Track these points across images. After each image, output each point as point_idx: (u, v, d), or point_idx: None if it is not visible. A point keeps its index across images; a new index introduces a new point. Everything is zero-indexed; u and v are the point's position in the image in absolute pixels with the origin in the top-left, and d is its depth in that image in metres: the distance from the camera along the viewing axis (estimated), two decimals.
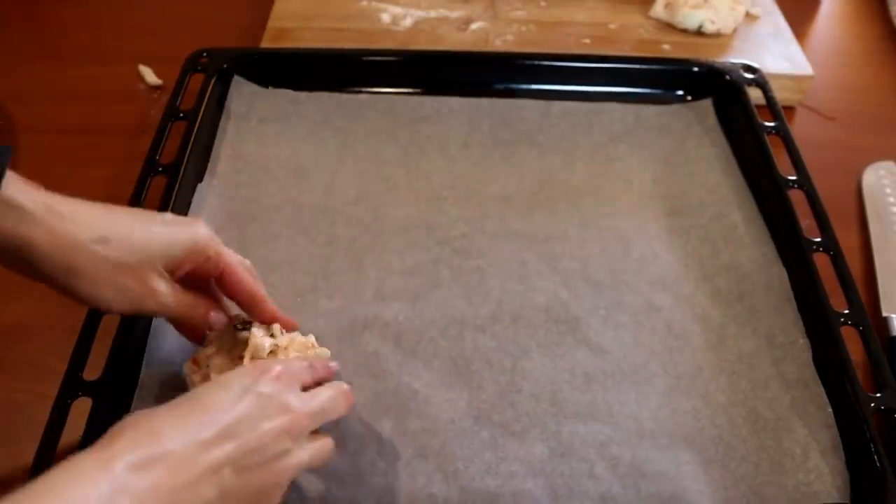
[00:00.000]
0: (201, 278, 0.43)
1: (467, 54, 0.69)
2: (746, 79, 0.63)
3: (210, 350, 0.43)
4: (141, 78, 0.70)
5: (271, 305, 0.44)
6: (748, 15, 0.75)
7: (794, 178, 0.56)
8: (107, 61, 0.73)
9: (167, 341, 0.47)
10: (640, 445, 0.45)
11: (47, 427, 0.41)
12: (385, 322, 0.50)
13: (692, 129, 0.62)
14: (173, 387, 0.45)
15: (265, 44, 0.70)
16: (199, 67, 0.63)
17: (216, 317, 0.43)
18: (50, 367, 0.44)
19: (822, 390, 0.46)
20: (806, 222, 0.53)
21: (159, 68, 0.71)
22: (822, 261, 0.51)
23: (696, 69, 0.65)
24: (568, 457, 0.44)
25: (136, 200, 0.52)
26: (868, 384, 0.45)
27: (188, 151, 0.56)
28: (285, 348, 0.43)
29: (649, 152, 0.62)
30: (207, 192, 0.56)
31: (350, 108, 0.63)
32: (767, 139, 0.58)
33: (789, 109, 0.69)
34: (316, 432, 0.39)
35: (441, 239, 0.55)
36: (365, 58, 0.66)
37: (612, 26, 0.74)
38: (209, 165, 0.58)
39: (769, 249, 0.53)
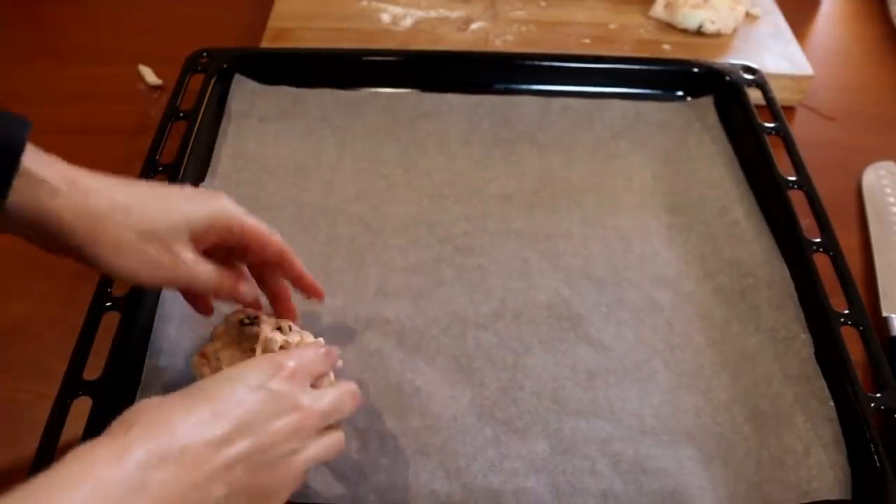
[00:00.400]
0: (226, 252, 0.42)
1: (467, 54, 0.69)
2: (746, 79, 0.63)
3: (217, 344, 0.43)
4: (141, 78, 0.70)
5: (300, 264, 0.44)
6: (748, 15, 0.75)
7: (793, 178, 0.56)
8: (107, 61, 0.73)
9: (169, 339, 0.47)
10: (641, 442, 0.45)
11: (47, 427, 0.41)
12: (387, 320, 0.50)
13: (693, 125, 0.63)
14: (178, 383, 0.45)
15: (265, 44, 0.70)
16: (199, 67, 0.63)
17: (248, 288, 0.43)
18: (50, 367, 0.44)
19: (824, 385, 0.46)
20: (806, 222, 0.53)
21: (159, 68, 0.71)
22: (822, 261, 0.51)
23: (695, 70, 0.65)
24: (570, 454, 0.44)
25: None
26: (868, 384, 0.45)
27: (188, 151, 0.56)
28: (295, 346, 0.43)
29: (650, 149, 0.62)
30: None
31: (350, 107, 0.63)
32: (767, 139, 0.58)
33: (789, 109, 0.69)
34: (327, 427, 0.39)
35: (442, 237, 0.55)
36: (365, 58, 0.66)
37: (612, 26, 0.74)
38: (210, 165, 0.58)
39: (770, 245, 0.53)
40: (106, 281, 0.47)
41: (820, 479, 0.42)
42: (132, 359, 0.45)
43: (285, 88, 0.64)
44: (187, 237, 0.39)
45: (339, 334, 0.49)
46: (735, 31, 0.73)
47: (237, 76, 0.63)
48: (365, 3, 0.76)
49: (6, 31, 0.76)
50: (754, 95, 0.62)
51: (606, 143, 0.62)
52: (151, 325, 0.47)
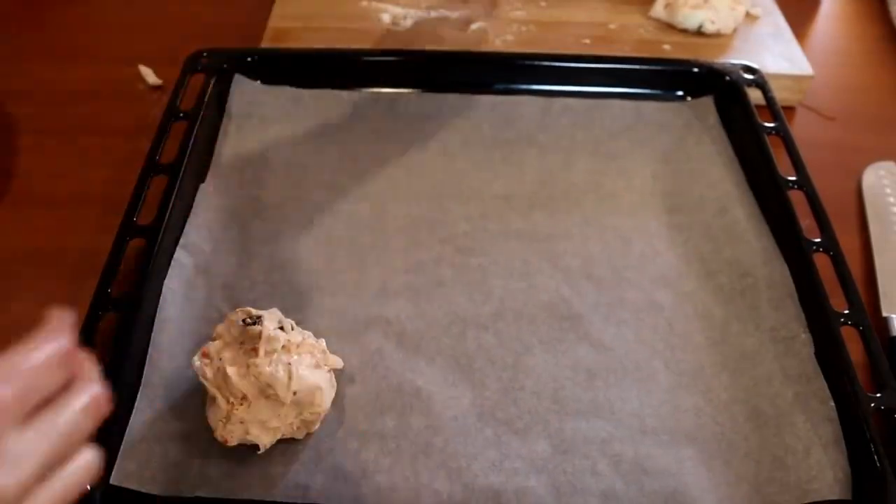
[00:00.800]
0: None
1: (467, 54, 0.69)
2: (746, 79, 0.63)
3: (219, 344, 0.43)
4: (141, 78, 0.70)
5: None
6: (748, 15, 0.75)
7: (794, 178, 0.56)
8: (107, 61, 0.73)
9: (170, 339, 0.47)
10: (642, 442, 0.45)
11: None
12: (387, 320, 0.50)
13: (693, 125, 0.63)
14: (178, 383, 0.45)
15: (265, 44, 0.70)
16: (199, 67, 0.63)
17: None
18: None
19: (824, 384, 0.45)
20: (806, 222, 0.53)
21: (159, 68, 0.71)
22: (822, 261, 0.51)
23: (695, 70, 0.65)
24: (570, 454, 0.44)
25: (136, 200, 0.52)
26: (868, 384, 0.45)
27: (188, 151, 0.56)
28: (297, 345, 0.43)
29: (650, 149, 0.62)
30: (209, 192, 0.56)
31: (350, 107, 0.63)
32: (767, 139, 0.58)
33: (789, 109, 0.69)
34: None
35: (443, 237, 0.55)
36: (365, 58, 0.66)
37: (612, 26, 0.74)
38: (210, 165, 0.58)
39: (770, 244, 0.53)
40: (106, 281, 0.47)
41: (820, 479, 0.42)
42: (132, 359, 0.45)
43: (285, 88, 0.64)
44: None
45: (339, 334, 0.49)
46: (735, 31, 0.73)
47: (237, 76, 0.63)
48: (365, 3, 0.76)
49: (6, 31, 0.76)
50: (754, 95, 0.62)
51: (606, 143, 0.62)
52: (151, 325, 0.47)
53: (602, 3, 0.77)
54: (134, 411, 0.43)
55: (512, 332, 0.50)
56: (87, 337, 0.45)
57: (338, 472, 0.43)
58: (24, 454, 0.26)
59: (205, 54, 0.64)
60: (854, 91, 0.73)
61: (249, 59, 0.64)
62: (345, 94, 0.64)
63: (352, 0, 0.76)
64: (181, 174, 0.54)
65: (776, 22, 0.75)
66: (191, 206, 0.54)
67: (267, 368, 0.41)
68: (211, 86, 0.61)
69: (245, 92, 0.63)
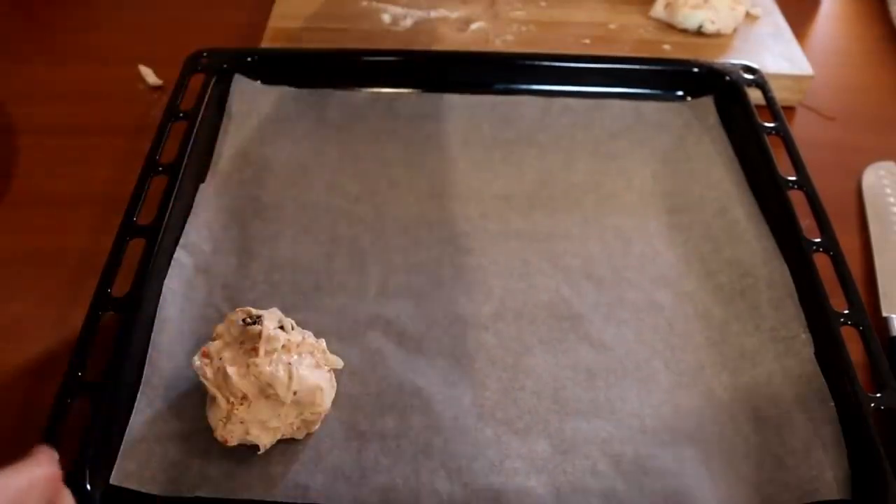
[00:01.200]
0: None
1: (467, 54, 0.69)
2: (746, 79, 0.63)
3: (219, 344, 0.43)
4: (141, 78, 0.70)
5: None
6: (748, 15, 0.75)
7: (793, 178, 0.56)
8: (107, 61, 0.73)
9: (170, 339, 0.47)
10: (642, 442, 0.45)
11: (47, 428, 0.41)
12: (388, 320, 0.50)
13: (693, 125, 0.62)
14: (178, 383, 0.45)
15: (265, 44, 0.70)
16: (199, 67, 0.63)
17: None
18: (50, 368, 0.44)
19: (824, 384, 0.45)
20: (806, 223, 0.53)
21: (159, 68, 0.71)
22: (822, 261, 0.51)
23: (695, 70, 0.65)
24: (571, 454, 0.44)
25: (136, 200, 0.52)
26: (868, 384, 0.45)
27: (188, 151, 0.55)
28: (298, 345, 0.43)
29: (650, 149, 0.62)
30: (209, 192, 0.56)
31: (350, 107, 0.63)
32: (767, 139, 0.58)
33: (789, 109, 0.69)
34: None
35: (443, 237, 0.55)
36: (365, 58, 0.66)
37: (612, 26, 0.74)
38: (210, 165, 0.58)
39: (770, 245, 0.53)
40: (106, 281, 0.47)
41: (820, 480, 0.42)
42: (132, 359, 0.45)
43: (285, 88, 0.64)
44: None
45: (339, 334, 0.49)
46: (735, 31, 0.73)
47: (237, 76, 0.63)
48: (365, 3, 0.76)
49: (6, 31, 0.76)
50: (754, 95, 0.62)
51: (606, 143, 0.62)
52: (151, 325, 0.47)
53: (602, 3, 0.77)
54: (134, 411, 0.43)
55: (512, 332, 0.50)
56: (87, 337, 0.45)
57: (338, 472, 0.43)
58: None
59: (205, 54, 0.64)
60: (854, 91, 0.73)
61: (249, 59, 0.64)
62: (345, 94, 0.64)
63: (352, 0, 0.76)
64: (181, 174, 0.54)
65: (776, 22, 0.75)
66: (191, 206, 0.54)
67: (267, 368, 0.41)
68: (211, 86, 0.61)
69: (245, 92, 0.63)
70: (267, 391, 0.42)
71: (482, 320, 0.50)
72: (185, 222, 0.53)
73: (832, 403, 0.45)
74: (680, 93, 0.65)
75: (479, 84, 0.65)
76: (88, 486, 0.39)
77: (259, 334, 0.42)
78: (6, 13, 0.78)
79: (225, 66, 0.63)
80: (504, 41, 0.72)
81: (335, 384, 0.45)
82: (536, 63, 0.66)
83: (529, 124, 0.63)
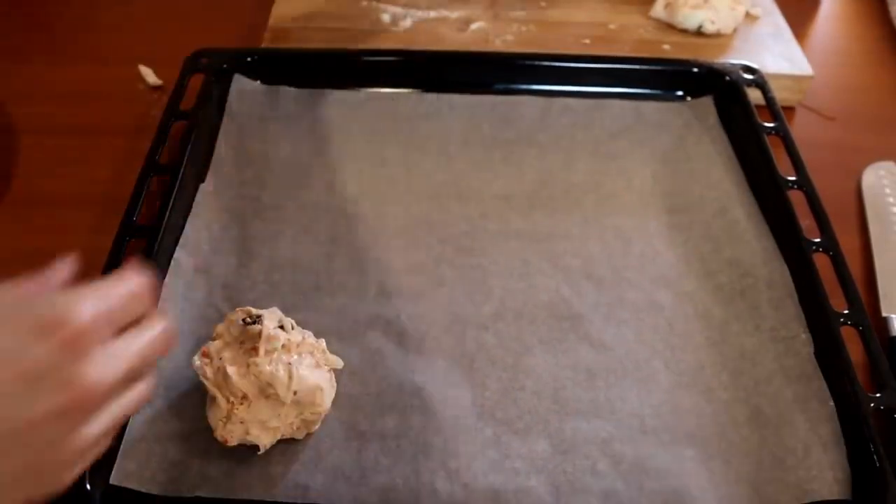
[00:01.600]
0: None
1: (467, 54, 0.69)
2: (746, 79, 0.63)
3: (219, 343, 0.43)
4: (141, 78, 0.70)
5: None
6: (748, 15, 0.75)
7: (793, 178, 0.56)
8: (107, 61, 0.73)
9: None
10: (642, 442, 0.45)
11: None
12: (387, 320, 0.50)
13: (693, 125, 0.63)
14: (179, 383, 0.45)
15: (265, 44, 0.70)
16: (199, 67, 0.63)
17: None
18: None
19: (824, 384, 0.45)
20: (806, 223, 0.53)
21: (159, 68, 0.71)
22: (822, 261, 0.51)
23: (695, 70, 0.65)
24: (570, 454, 0.44)
25: (135, 200, 0.52)
26: (868, 384, 0.45)
27: (188, 151, 0.55)
28: (298, 345, 0.43)
29: (650, 149, 0.62)
30: (209, 192, 0.56)
31: (350, 107, 0.63)
32: (767, 139, 0.58)
33: (789, 109, 0.69)
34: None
35: (443, 237, 0.55)
36: (365, 58, 0.66)
37: (612, 26, 0.74)
38: (210, 165, 0.58)
39: (770, 244, 0.53)
40: None
41: (820, 479, 0.42)
42: None
43: (285, 88, 0.64)
44: None
45: (339, 334, 0.49)
46: (735, 31, 0.73)
47: (237, 76, 0.63)
48: (365, 3, 0.76)
49: (6, 31, 0.76)
50: (754, 95, 0.62)
51: (606, 143, 0.62)
52: None
53: (602, 3, 0.77)
54: None
55: (512, 332, 0.50)
56: None
57: (338, 472, 0.43)
58: (113, 362, 0.30)
59: (205, 54, 0.64)
60: (854, 91, 0.73)
61: (249, 59, 0.64)
62: (345, 93, 0.64)
63: (352, 0, 0.76)
64: (181, 174, 0.54)
65: (776, 22, 0.75)
66: (191, 206, 0.54)
67: (267, 368, 0.41)
68: (211, 86, 0.61)
69: (245, 92, 0.63)
70: (267, 391, 0.42)
71: (482, 320, 0.50)
72: (184, 222, 0.53)
73: (832, 403, 0.45)
74: (680, 93, 0.65)
75: (479, 84, 0.65)
76: (88, 486, 0.39)
77: (259, 334, 0.42)
78: (6, 13, 0.78)
79: (225, 66, 0.63)
80: (504, 41, 0.72)
81: (335, 384, 0.45)
82: (536, 63, 0.66)
83: (529, 124, 0.63)
